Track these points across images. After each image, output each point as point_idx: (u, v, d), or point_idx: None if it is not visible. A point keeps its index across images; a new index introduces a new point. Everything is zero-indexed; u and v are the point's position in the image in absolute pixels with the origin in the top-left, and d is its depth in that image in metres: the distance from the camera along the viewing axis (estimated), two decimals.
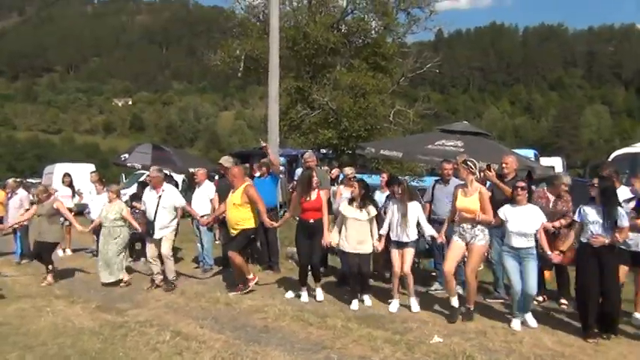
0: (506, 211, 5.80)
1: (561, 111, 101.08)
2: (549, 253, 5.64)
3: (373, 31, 19.22)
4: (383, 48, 18.24)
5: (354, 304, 6.47)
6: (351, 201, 6.57)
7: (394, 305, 6.37)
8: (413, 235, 6.31)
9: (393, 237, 6.38)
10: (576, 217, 5.58)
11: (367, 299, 6.67)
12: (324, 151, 18.07)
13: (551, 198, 6.80)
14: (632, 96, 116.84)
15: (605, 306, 5.30)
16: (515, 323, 5.68)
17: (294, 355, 4.77)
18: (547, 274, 7.06)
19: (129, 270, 8.48)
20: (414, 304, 6.36)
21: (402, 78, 19.46)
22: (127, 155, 12.04)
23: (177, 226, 8.36)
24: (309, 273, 6.93)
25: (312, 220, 6.71)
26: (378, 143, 13.04)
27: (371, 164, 17.04)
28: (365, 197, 6.51)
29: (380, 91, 17.55)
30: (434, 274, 7.69)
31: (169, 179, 10.51)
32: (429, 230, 6.37)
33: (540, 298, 6.81)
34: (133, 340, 5.28)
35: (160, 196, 7.66)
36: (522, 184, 5.87)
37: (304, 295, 6.82)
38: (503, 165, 7.09)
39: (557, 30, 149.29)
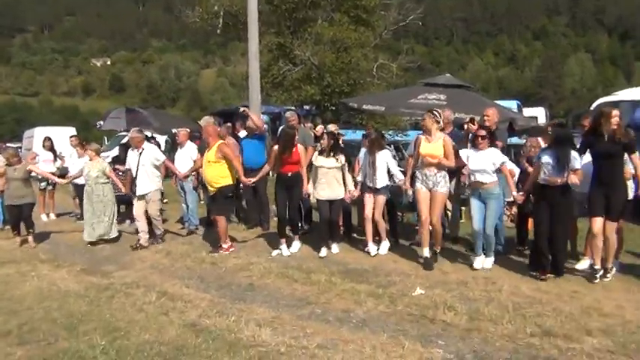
0: (468, 153, 6.17)
1: (545, 60, 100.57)
2: (514, 193, 5.96)
3: None
4: (364, 0, 17.87)
5: (323, 252, 6.82)
6: (321, 152, 6.85)
7: (372, 249, 6.79)
8: (383, 182, 6.69)
9: (368, 183, 6.76)
10: (535, 161, 5.93)
11: (335, 247, 6.99)
12: (307, 107, 17.91)
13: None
14: (616, 43, 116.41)
15: (551, 246, 5.69)
16: (477, 262, 6.11)
17: (279, 312, 4.85)
18: (530, 223, 7.14)
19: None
20: (384, 247, 6.85)
21: (385, 31, 19.17)
22: (102, 122, 11.99)
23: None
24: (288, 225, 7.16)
25: (289, 174, 6.92)
26: (360, 98, 12.98)
27: (354, 120, 16.97)
28: (334, 147, 6.81)
29: (362, 45, 17.30)
30: (417, 227, 7.78)
31: (151, 141, 10.42)
32: (399, 175, 6.75)
33: (520, 247, 6.96)
34: (119, 301, 5.32)
35: (140, 154, 7.78)
36: (482, 132, 6.18)
37: (284, 248, 6.99)
38: (485, 117, 7.08)
39: None
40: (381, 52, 20.03)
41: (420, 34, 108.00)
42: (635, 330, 4.23)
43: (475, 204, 6.08)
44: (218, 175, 7.12)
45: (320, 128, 10.32)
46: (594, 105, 14.63)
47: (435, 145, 6.15)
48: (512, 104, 19.00)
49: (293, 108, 15.27)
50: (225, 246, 7.22)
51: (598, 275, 5.57)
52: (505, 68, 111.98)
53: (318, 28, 17.54)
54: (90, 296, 5.50)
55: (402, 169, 7.14)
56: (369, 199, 6.75)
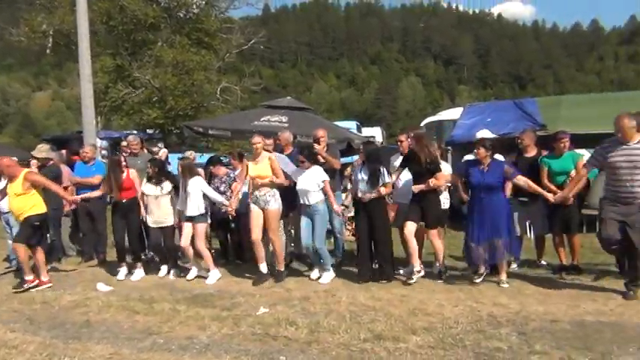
0: (295, 174, 6.57)
1: (381, 84, 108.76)
2: (336, 207, 6.51)
3: (195, 6, 18.78)
4: (205, 23, 17.94)
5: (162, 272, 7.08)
6: (149, 179, 6.95)
7: (192, 273, 6.91)
8: (197, 209, 6.73)
9: (186, 212, 6.79)
10: (353, 177, 6.53)
11: (172, 273, 7.05)
12: (150, 131, 17.38)
13: None
14: (441, 68, 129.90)
15: (377, 254, 6.38)
16: (314, 273, 6.59)
17: (118, 347, 4.62)
18: None
19: None
20: (212, 276, 6.74)
21: (228, 54, 19.38)
22: None
23: None
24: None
25: (124, 200, 6.93)
26: (205, 121, 12.93)
27: (200, 143, 16.82)
28: (159, 174, 6.93)
29: (205, 68, 17.30)
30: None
31: None
32: (218, 199, 6.91)
33: None
34: None
35: None
36: (302, 157, 6.55)
37: (121, 272, 6.99)
38: (321, 139, 7.45)
39: (374, 7, 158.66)
40: (226, 75, 20.18)
41: (266, 57, 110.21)
42: (453, 325, 4.73)
43: (305, 222, 6.51)
44: (27, 206, 6.61)
45: (163, 153, 10.09)
46: (422, 124, 16.20)
47: (261, 165, 6.45)
48: (352, 124, 20.27)
49: (135, 132, 14.72)
50: (45, 279, 6.72)
51: (414, 276, 6.20)
52: (347, 90, 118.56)
53: (159, 51, 17.19)
54: None
55: None
56: (188, 228, 6.78)
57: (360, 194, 6.32)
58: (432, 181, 6.07)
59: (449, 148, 10.01)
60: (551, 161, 6.60)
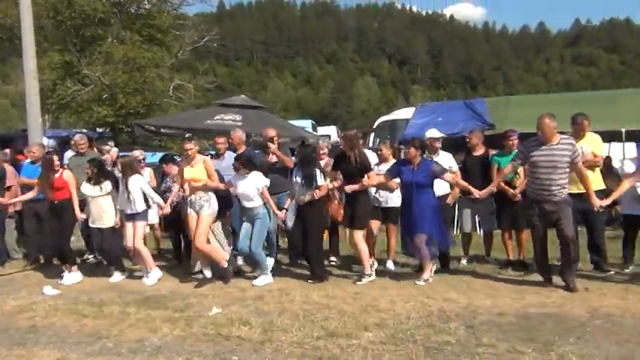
0: (233, 179, 6.53)
1: (337, 83, 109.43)
2: (278, 212, 6.53)
3: (146, 1, 18.40)
4: (157, 20, 17.60)
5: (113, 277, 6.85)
6: (89, 179, 6.83)
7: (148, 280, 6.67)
8: (139, 207, 6.64)
9: (127, 211, 6.69)
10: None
11: (118, 275, 6.88)
12: (100, 130, 16.93)
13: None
14: (395, 68, 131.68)
15: (308, 255, 6.48)
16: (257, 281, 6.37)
17: (65, 352, 4.48)
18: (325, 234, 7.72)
19: None
20: (154, 276, 6.65)
21: (180, 51, 19.08)
22: None
23: None
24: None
25: (57, 201, 6.79)
26: (157, 119, 12.72)
27: (152, 142, 16.50)
28: (99, 174, 6.79)
29: (157, 65, 16.98)
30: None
31: None
32: (156, 199, 6.77)
33: None
34: None
35: None
36: (238, 164, 6.49)
37: (65, 277, 6.79)
38: (274, 138, 7.45)
39: (330, 6, 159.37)
40: (179, 73, 19.86)
41: (220, 55, 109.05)
42: (404, 321, 4.82)
43: (244, 226, 6.50)
44: None
45: (115, 152, 9.85)
46: (376, 123, 16.36)
47: (196, 169, 6.44)
48: (307, 123, 20.37)
49: (84, 131, 14.32)
50: None
51: (363, 279, 6.28)
52: (303, 89, 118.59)
53: (109, 47, 16.74)
54: None
55: None
56: (129, 227, 6.70)
57: (295, 197, 6.41)
58: (365, 181, 6.19)
59: (402, 147, 10.16)
60: (500, 159, 6.87)
